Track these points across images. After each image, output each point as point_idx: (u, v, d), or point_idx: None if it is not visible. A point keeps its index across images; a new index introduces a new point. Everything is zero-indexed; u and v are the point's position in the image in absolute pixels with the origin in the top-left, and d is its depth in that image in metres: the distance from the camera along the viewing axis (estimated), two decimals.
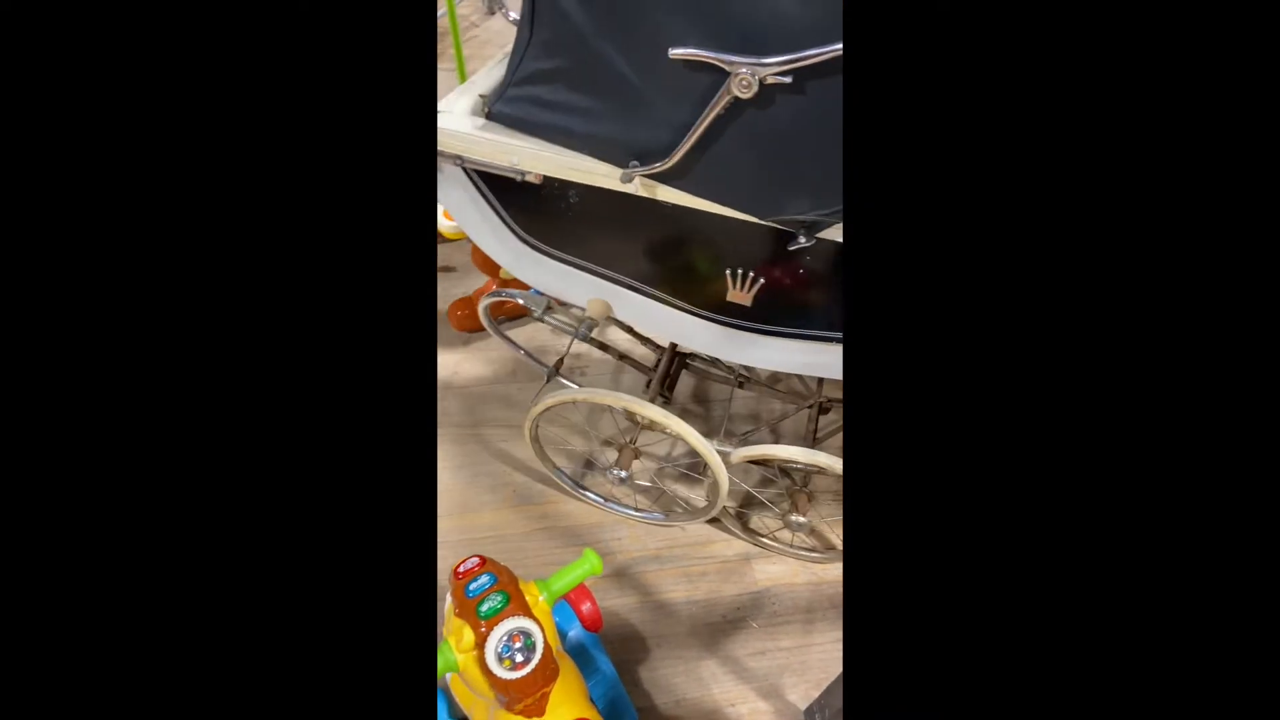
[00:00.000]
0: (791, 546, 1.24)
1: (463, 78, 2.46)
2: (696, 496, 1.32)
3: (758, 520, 1.29)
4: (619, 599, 1.17)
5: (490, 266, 1.54)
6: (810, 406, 1.23)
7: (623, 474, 1.18)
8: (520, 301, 1.15)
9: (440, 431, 1.42)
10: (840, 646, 1.12)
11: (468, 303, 1.61)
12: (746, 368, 1.41)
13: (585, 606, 0.94)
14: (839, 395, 1.25)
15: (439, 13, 2.77)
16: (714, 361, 1.34)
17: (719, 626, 1.15)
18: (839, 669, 0.99)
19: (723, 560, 1.23)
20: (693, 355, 1.33)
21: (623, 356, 1.33)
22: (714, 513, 1.20)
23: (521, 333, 1.65)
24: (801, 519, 1.14)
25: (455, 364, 1.57)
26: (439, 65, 2.75)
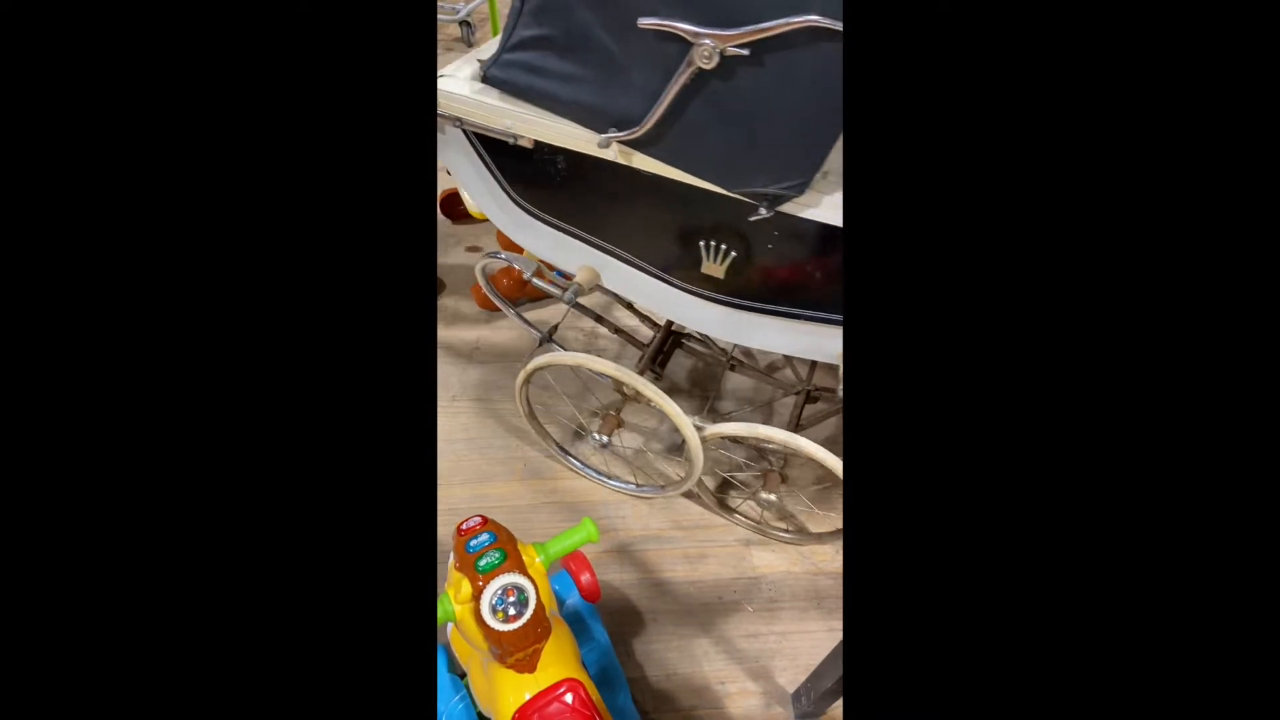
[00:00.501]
0: (762, 524, 1.28)
1: None
2: (676, 470, 1.35)
3: (737, 501, 1.32)
4: (619, 574, 1.21)
5: (515, 247, 1.58)
6: (798, 393, 1.26)
7: (603, 439, 1.22)
8: (517, 266, 1.20)
9: (458, 405, 1.47)
10: (831, 635, 1.14)
11: (493, 281, 1.66)
12: (745, 351, 1.44)
13: (585, 577, 0.97)
14: (828, 384, 1.27)
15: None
16: (707, 342, 1.38)
17: (714, 607, 1.17)
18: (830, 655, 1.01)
19: (722, 544, 1.26)
20: (688, 334, 1.36)
21: (617, 330, 1.38)
22: (690, 485, 1.23)
23: (540, 316, 1.69)
24: (770, 497, 1.17)
25: (477, 339, 1.61)
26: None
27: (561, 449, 1.37)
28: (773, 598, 1.19)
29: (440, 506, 1.28)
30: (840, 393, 0.92)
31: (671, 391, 1.49)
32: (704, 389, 1.53)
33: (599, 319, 1.36)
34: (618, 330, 1.37)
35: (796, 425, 1.19)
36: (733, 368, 1.34)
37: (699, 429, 1.12)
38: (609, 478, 1.34)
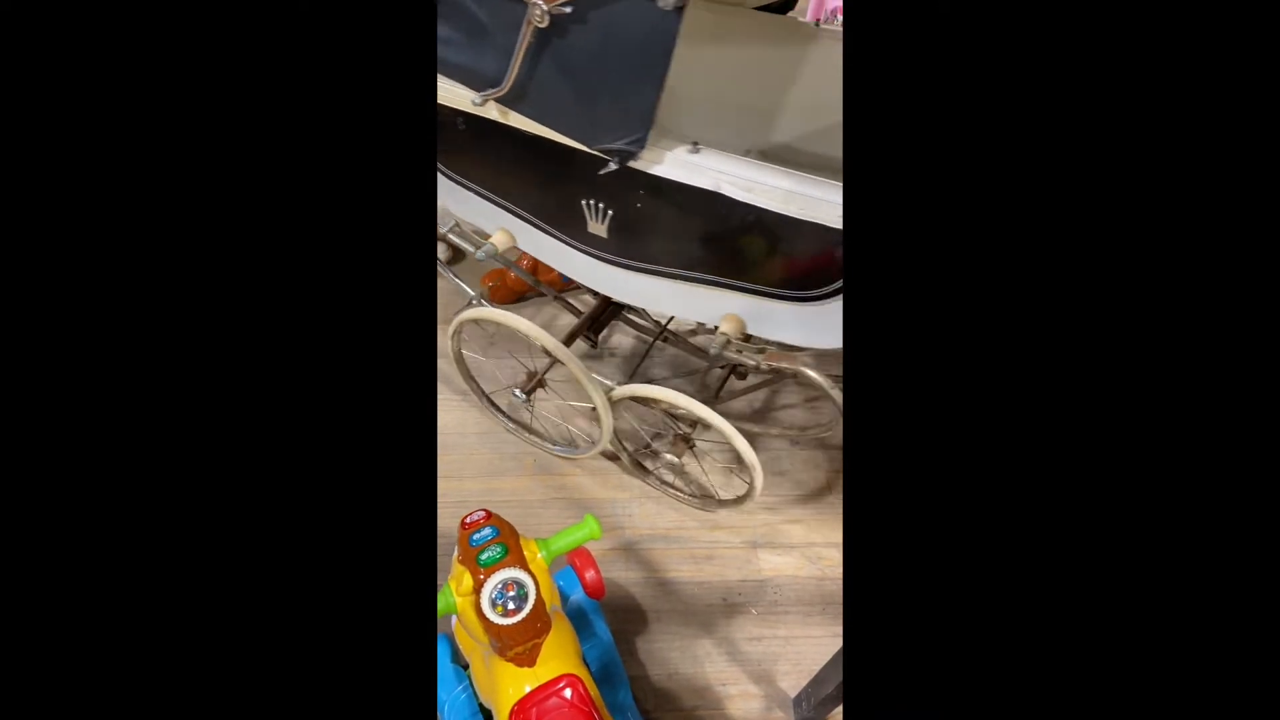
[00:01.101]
0: (671, 487, 1.31)
1: None
2: (596, 432, 1.36)
3: (651, 464, 1.35)
4: (624, 572, 1.21)
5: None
6: (723, 367, 1.29)
7: (521, 395, 1.25)
8: None
9: (472, 399, 1.49)
10: (836, 640, 1.13)
11: (501, 274, 1.68)
12: (691, 328, 1.48)
13: (589, 574, 0.98)
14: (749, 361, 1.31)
15: None
16: (641, 314, 1.41)
17: (719, 609, 1.17)
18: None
19: (729, 546, 1.26)
20: (626, 305, 1.39)
21: (558, 296, 1.45)
22: (603, 446, 1.26)
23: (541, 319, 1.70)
24: (672, 459, 1.20)
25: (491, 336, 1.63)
26: None
27: (491, 402, 1.42)
28: (777, 601, 1.19)
29: (451, 500, 1.30)
30: (713, 350, 0.97)
31: (609, 359, 1.54)
32: (643, 361, 1.57)
33: (535, 283, 1.42)
34: (557, 296, 1.44)
35: (715, 395, 1.23)
36: (665, 340, 1.37)
37: (607, 390, 1.15)
38: (530, 433, 1.39)
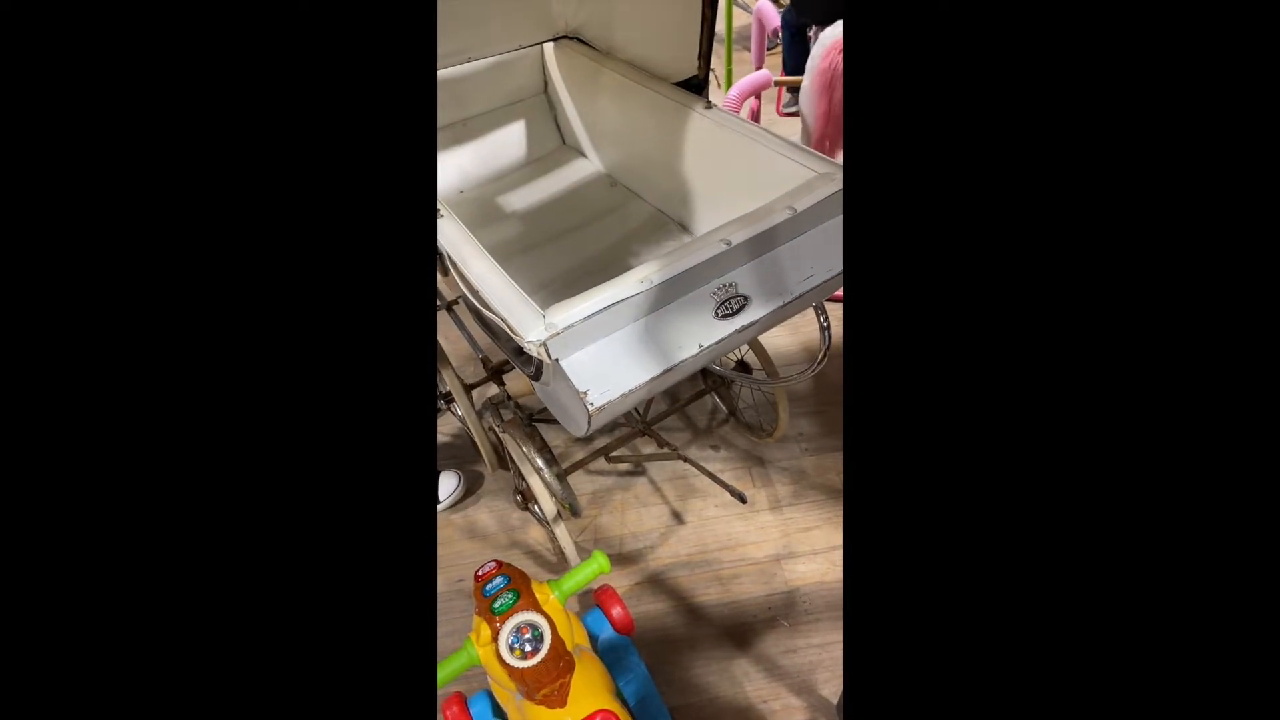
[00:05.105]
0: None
1: None
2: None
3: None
4: (652, 604, 1.22)
5: None
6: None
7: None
8: None
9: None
10: None
11: None
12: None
13: (615, 611, 1.00)
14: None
15: None
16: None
17: (750, 627, 1.18)
18: None
19: (753, 562, 1.27)
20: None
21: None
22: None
23: None
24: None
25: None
26: None
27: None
28: (808, 609, 1.19)
29: (484, 557, 1.33)
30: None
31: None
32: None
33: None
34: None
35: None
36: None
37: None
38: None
